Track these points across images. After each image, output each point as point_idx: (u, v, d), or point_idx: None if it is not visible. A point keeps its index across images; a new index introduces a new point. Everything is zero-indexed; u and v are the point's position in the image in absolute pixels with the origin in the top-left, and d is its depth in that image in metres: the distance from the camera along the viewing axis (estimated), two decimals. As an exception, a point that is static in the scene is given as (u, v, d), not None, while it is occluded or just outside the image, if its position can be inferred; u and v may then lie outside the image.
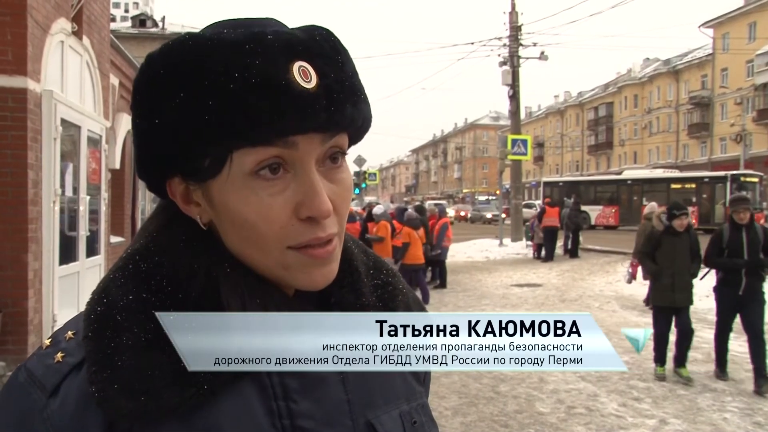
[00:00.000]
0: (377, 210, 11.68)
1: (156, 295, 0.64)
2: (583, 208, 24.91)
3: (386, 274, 0.80)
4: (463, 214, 45.11)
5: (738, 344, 7.56)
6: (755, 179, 25.65)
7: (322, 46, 0.65)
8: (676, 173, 30.45)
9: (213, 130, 0.61)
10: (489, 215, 41.15)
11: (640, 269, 10.21)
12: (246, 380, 0.64)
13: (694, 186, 26.71)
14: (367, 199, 33.95)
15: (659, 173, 30.39)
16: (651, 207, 11.13)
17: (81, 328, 0.64)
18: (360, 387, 0.70)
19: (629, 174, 31.90)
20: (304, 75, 0.62)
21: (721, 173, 26.62)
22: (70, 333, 0.66)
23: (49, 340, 0.67)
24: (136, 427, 0.61)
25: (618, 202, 29.30)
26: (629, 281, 10.77)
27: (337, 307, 0.73)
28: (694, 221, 6.50)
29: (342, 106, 0.64)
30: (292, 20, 0.72)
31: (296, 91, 0.61)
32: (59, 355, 0.64)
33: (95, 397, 0.60)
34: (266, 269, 0.67)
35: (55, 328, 0.83)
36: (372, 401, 0.71)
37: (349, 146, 0.71)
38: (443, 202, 45.88)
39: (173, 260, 0.66)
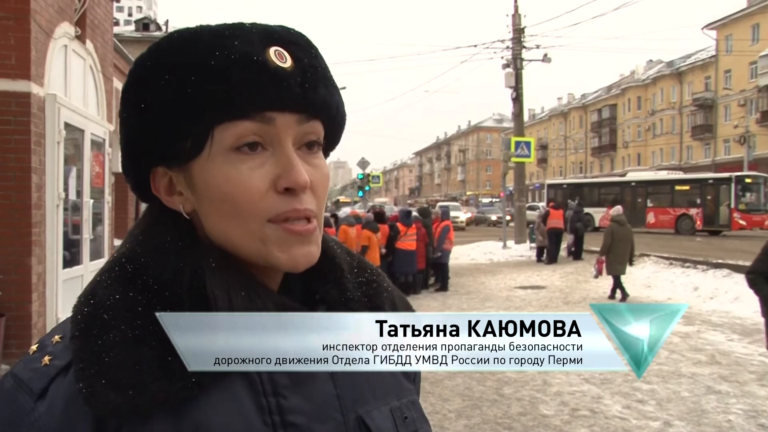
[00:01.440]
0: (341, 213, 11.65)
1: (142, 293, 0.65)
2: (587, 210, 24.85)
3: (370, 272, 0.81)
4: (469, 216, 44.84)
5: (741, 345, 7.55)
6: (759, 181, 25.53)
7: (296, 37, 0.70)
8: (679, 175, 30.34)
9: (195, 104, 0.65)
10: (494, 217, 41.09)
11: (605, 266, 11.00)
12: (235, 375, 0.64)
13: (698, 188, 26.61)
14: (371, 201, 33.80)
15: (663, 175, 30.22)
16: (616, 210, 11.35)
17: (68, 330, 0.65)
18: (349, 382, 0.71)
19: (633, 176, 31.77)
20: (280, 57, 0.67)
21: (725, 175, 26.48)
22: (56, 337, 0.67)
23: (36, 345, 0.67)
24: (125, 424, 0.61)
25: (622, 204, 29.13)
26: (596, 276, 11.49)
27: (322, 302, 0.74)
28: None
29: (315, 86, 0.68)
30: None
31: (272, 67, 0.66)
32: (46, 358, 0.64)
33: (82, 394, 0.60)
34: (247, 246, 0.68)
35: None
36: (362, 396, 0.72)
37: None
38: (455, 203, 45.44)
39: (159, 260, 0.67)
